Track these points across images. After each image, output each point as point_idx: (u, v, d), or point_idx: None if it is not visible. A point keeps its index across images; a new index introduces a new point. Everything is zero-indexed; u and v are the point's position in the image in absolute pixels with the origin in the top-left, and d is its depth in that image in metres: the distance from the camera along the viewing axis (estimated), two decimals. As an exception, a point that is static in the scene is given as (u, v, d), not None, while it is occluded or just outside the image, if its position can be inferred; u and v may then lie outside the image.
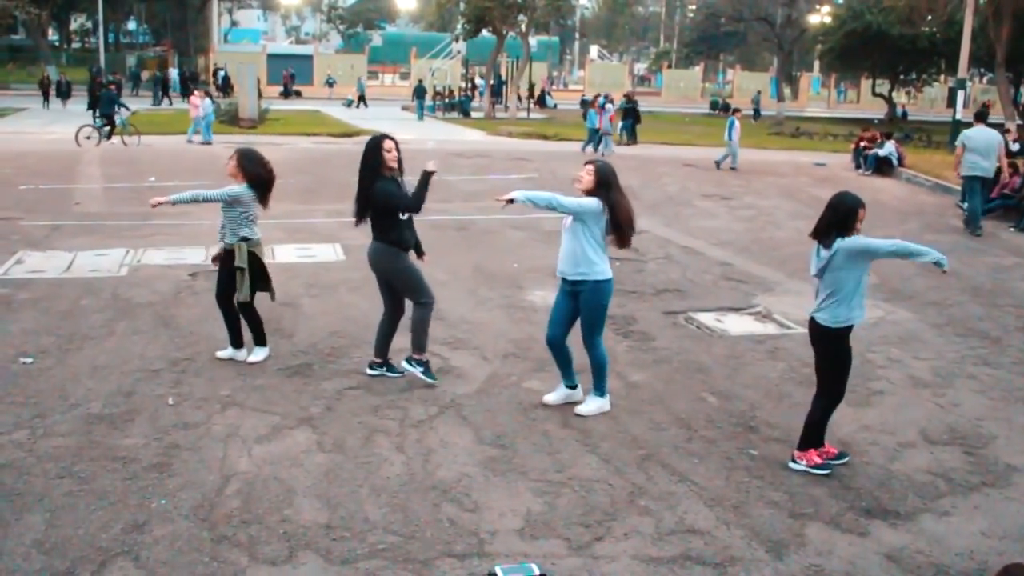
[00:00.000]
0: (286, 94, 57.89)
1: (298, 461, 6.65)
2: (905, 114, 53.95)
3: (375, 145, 7.90)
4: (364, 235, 8.30)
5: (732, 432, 7.47)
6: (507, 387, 8.25)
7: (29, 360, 8.59)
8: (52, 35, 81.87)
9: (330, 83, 60.89)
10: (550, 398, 7.89)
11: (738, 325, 10.62)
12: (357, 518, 5.86)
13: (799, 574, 5.44)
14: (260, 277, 8.58)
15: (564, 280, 7.58)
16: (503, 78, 52.32)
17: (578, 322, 7.63)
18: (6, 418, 7.26)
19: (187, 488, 6.17)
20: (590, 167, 7.40)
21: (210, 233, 14.15)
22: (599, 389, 7.77)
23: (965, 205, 18.33)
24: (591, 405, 7.74)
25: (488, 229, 15.88)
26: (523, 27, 46.67)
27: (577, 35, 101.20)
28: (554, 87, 75.96)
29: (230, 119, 33.98)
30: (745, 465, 6.86)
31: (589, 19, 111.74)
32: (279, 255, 13.35)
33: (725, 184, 23.23)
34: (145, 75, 62.48)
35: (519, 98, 48.86)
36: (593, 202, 7.29)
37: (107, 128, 28.36)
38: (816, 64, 74.74)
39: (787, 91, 55.23)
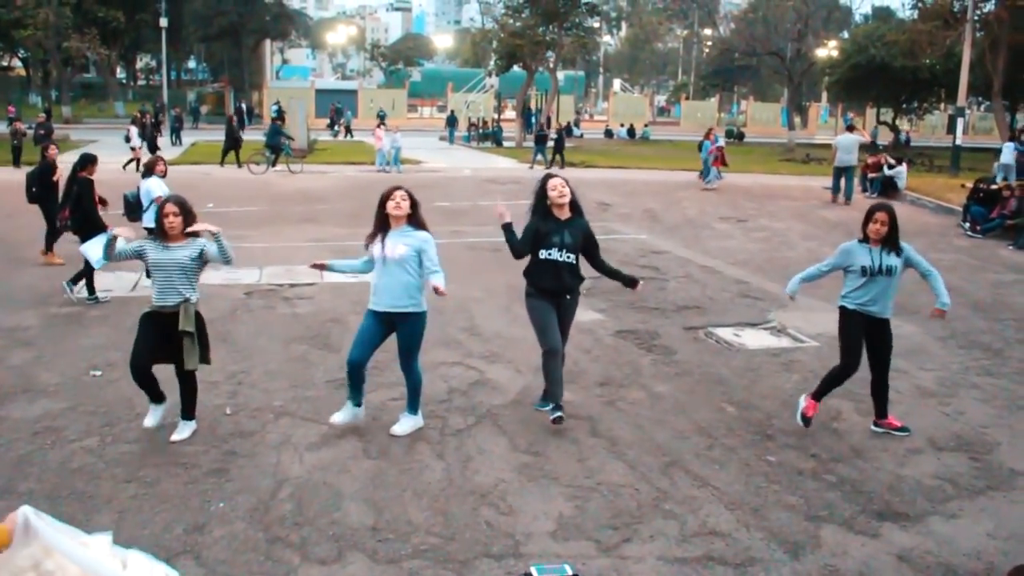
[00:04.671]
0: (332, 126, 58.04)
1: (346, 467, 6.63)
2: (908, 140, 53.47)
3: (542, 182, 7.55)
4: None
5: (750, 440, 7.40)
6: (539, 398, 8.19)
7: (98, 373, 8.65)
8: (120, 73, 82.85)
9: (381, 116, 60.37)
10: (338, 418, 7.24)
11: (755, 339, 10.53)
12: (401, 521, 5.84)
13: (815, 574, 5.36)
14: (203, 343, 7.07)
15: (379, 312, 7.05)
16: (532, 110, 52.38)
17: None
18: (78, 426, 7.30)
19: (243, 492, 6.17)
20: (403, 192, 7.05)
21: (263, 255, 14.24)
22: (414, 407, 7.39)
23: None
24: (406, 424, 7.35)
25: (520, 250, 15.85)
26: (551, 63, 46.76)
27: (601, 69, 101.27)
28: (583, 117, 75.98)
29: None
30: (763, 471, 6.78)
31: (612, 55, 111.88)
32: (328, 275, 13.35)
33: (740, 207, 23.10)
34: (204, 109, 62.95)
35: (548, 123, 48.93)
36: (426, 236, 7.00)
37: (273, 156, 29.91)
38: (824, 95, 74.30)
39: (797, 120, 54.87)
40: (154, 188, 12.55)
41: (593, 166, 34.52)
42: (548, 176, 7.60)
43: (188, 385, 7.11)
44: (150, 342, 6.92)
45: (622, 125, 60.79)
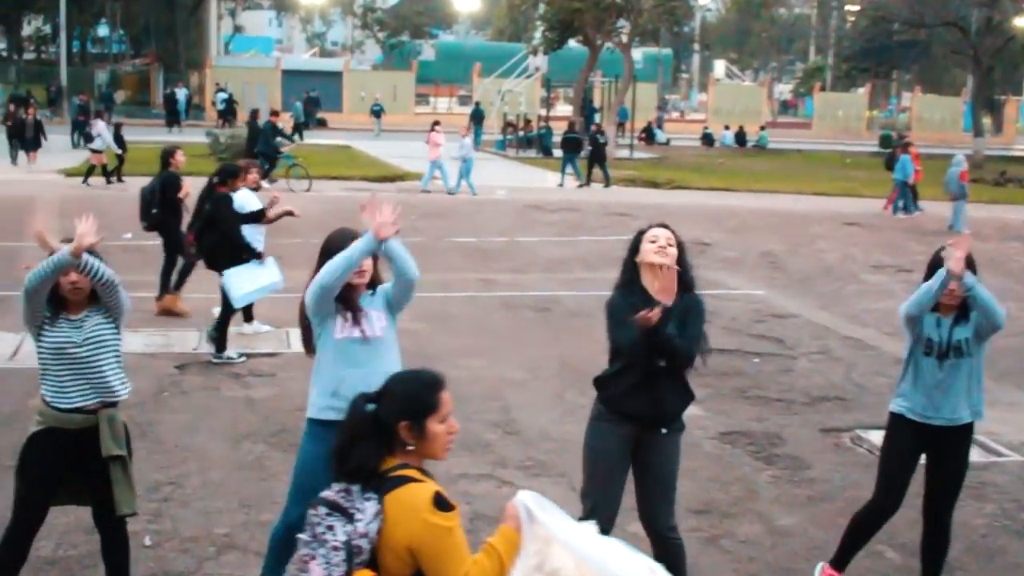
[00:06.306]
0: (305, 124, 58.24)
1: (319, 630, 6.56)
2: None
3: (637, 237, 6.49)
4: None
5: (922, 602, 7.28)
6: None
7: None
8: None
9: (376, 111, 59.13)
10: None
11: (926, 448, 10.40)
12: None
13: None
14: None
15: (326, 424, 6.40)
16: (596, 105, 52.47)
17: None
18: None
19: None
20: None
21: (205, 311, 14.29)
22: None
23: None
24: None
25: (578, 310, 15.75)
26: (624, 36, 46.95)
27: (697, 46, 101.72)
28: (669, 115, 76.40)
29: (232, 156, 34.49)
30: (942, 649, 6.67)
31: (713, 25, 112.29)
32: (295, 341, 13.39)
33: (902, 250, 22.99)
34: (120, 96, 63.58)
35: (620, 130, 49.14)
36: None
37: (268, 168, 29.39)
38: (1027, 85, 74.40)
39: (987, 122, 54.82)
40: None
41: (685, 187, 34.58)
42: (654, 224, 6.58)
43: (118, 543, 6.38)
44: (47, 479, 6.04)
45: (727, 127, 61.10)
